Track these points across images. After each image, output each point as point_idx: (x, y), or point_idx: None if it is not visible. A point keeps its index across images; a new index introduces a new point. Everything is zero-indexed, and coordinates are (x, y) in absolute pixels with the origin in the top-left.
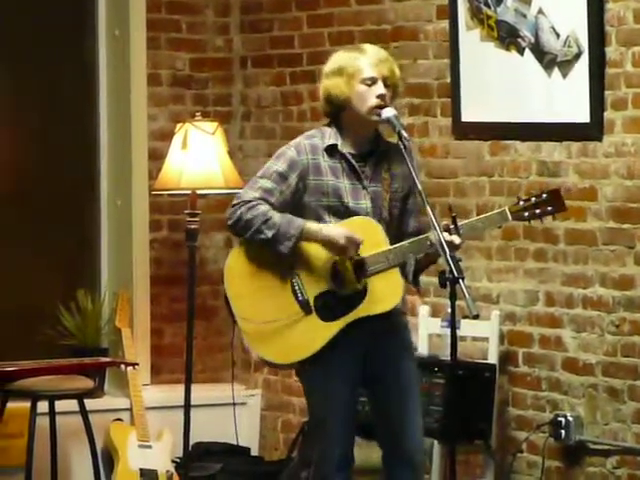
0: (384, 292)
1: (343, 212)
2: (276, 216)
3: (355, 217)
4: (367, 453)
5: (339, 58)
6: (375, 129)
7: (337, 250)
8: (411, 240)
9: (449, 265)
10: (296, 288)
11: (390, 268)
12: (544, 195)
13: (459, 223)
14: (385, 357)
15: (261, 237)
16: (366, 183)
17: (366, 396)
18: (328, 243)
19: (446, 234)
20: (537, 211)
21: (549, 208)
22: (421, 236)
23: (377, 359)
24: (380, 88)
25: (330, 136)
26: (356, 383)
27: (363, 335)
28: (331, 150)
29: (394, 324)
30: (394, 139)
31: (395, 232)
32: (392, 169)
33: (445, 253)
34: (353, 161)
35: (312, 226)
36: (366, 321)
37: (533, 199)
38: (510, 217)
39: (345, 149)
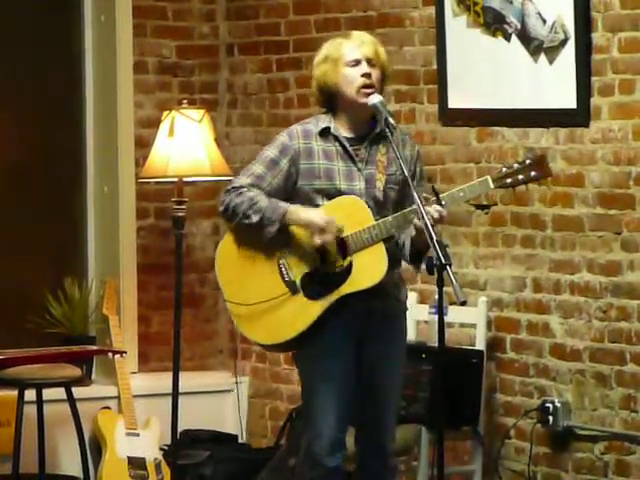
0: (368, 267)
1: (335, 194)
2: (263, 201)
3: (342, 197)
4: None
5: (325, 47)
6: (371, 112)
7: (317, 232)
8: (394, 215)
9: (436, 251)
10: (282, 269)
11: (374, 244)
12: (527, 161)
13: (440, 195)
14: (375, 343)
15: (247, 222)
16: (360, 165)
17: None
18: (307, 226)
19: (428, 207)
20: (520, 177)
21: (533, 174)
22: (404, 210)
23: (367, 343)
24: (364, 67)
25: (324, 120)
26: (350, 365)
27: (358, 316)
28: (324, 133)
29: (391, 310)
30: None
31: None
32: (390, 152)
33: (432, 238)
34: (346, 144)
35: (293, 210)
36: (360, 301)
37: (516, 165)
38: (492, 184)
39: (339, 132)
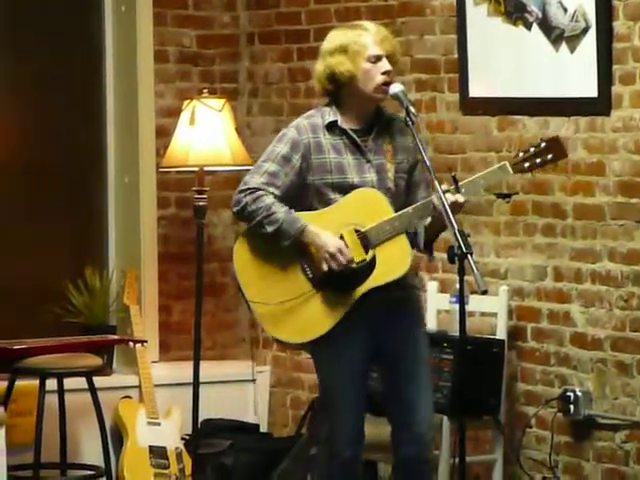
0: (392, 260)
1: (348, 188)
2: (280, 212)
3: (359, 189)
4: (377, 429)
5: (340, 36)
6: (377, 103)
7: (328, 258)
8: (414, 205)
9: (457, 240)
10: (305, 267)
11: (396, 235)
12: (542, 144)
13: (460, 183)
14: (398, 331)
15: (262, 231)
16: (370, 156)
17: (377, 370)
18: (319, 250)
19: (449, 195)
20: (538, 160)
21: (549, 156)
22: (424, 200)
23: (390, 332)
24: (386, 65)
25: (329, 114)
26: (367, 355)
27: (376, 306)
28: (331, 127)
29: (408, 297)
30: (401, 114)
31: (404, 204)
32: (395, 141)
33: (453, 228)
34: (355, 136)
35: (311, 230)
36: (379, 292)
37: (532, 149)
38: (511, 170)
39: (345, 125)
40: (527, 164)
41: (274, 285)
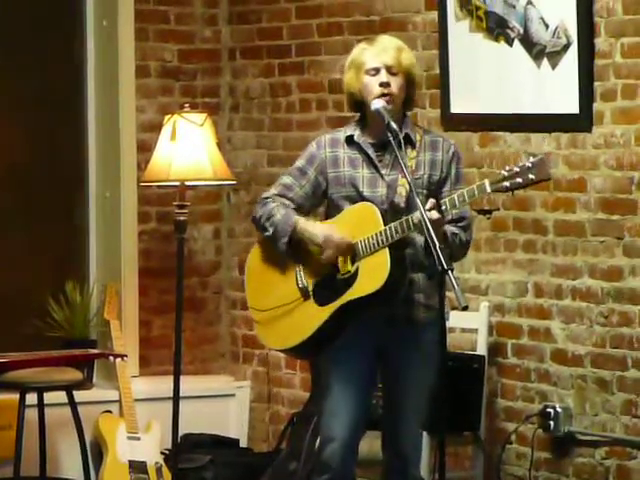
0: (371, 273)
1: (358, 201)
2: (278, 214)
3: (358, 203)
4: (371, 443)
5: (353, 51)
6: (403, 116)
7: (319, 248)
8: (399, 221)
9: (437, 256)
10: (297, 276)
11: (380, 249)
12: (528, 164)
13: (441, 201)
14: (400, 350)
15: (265, 234)
16: (384, 171)
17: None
18: (310, 241)
19: (429, 212)
20: (518, 180)
21: (531, 176)
22: (407, 217)
23: (393, 350)
24: (382, 77)
25: (351, 128)
26: (368, 371)
27: (379, 322)
28: (350, 141)
29: (416, 316)
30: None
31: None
32: (419, 155)
33: (434, 244)
34: (369, 151)
35: (301, 224)
36: (381, 307)
37: (516, 168)
38: (488, 188)
39: (364, 139)
40: (507, 183)
41: (270, 293)
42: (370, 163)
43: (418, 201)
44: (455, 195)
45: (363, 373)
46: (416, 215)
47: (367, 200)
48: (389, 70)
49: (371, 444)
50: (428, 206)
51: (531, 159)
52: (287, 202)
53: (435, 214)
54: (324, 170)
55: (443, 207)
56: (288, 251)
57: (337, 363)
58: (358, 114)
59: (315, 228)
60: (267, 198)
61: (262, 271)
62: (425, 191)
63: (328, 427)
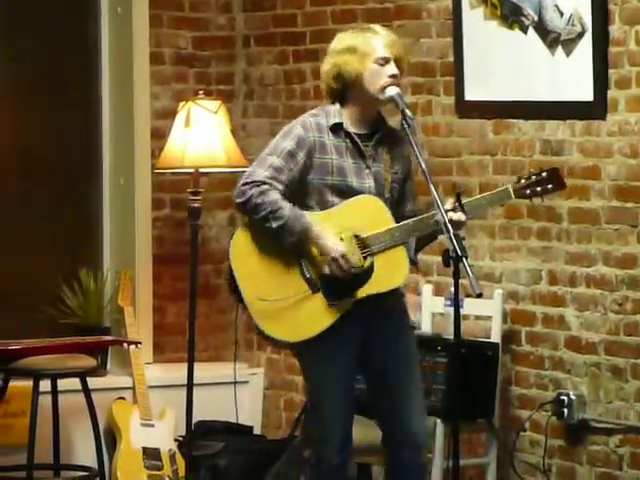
0: (391, 269)
1: (346, 191)
2: (286, 208)
3: (361, 195)
4: (364, 431)
5: (350, 37)
6: (378, 111)
7: (329, 262)
8: (416, 218)
9: (452, 244)
10: (303, 267)
11: (396, 246)
12: (544, 173)
13: (463, 201)
14: (385, 339)
15: (266, 225)
16: (369, 163)
17: (364, 378)
18: (322, 252)
19: (452, 213)
20: (538, 189)
21: (549, 186)
22: (427, 214)
23: (377, 340)
24: (393, 68)
25: (334, 115)
26: (354, 364)
27: (364, 314)
28: (336, 129)
29: (396, 304)
30: (398, 117)
31: (393, 214)
32: (393, 151)
33: (449, 232)
34: (358, 140)
35: (315, 230)
36: (369, 300)
37: (534, 177)
38: (513, 195)
39: (350, 128)
40: (528, 191)
41: (271, 281)
42: (356, 153)
43: (438, 198)
44: (477, 198)
45: (351, 368)
46: (439, 215)
47: (355, 190)
48: (397, 63)
49: (365, 432)
50: (449, 206)
51: (544, 170)
52: (280, 187)
53: (461, 216)
54: (312, 155)
55: (466, 209)
56: (293, 247)
57: (328, 364)
58: (330, 101)
59: (330, 241)
60: (263, 183)
61: (256, 256)
62: (397, 186)
63: (324, 427)
